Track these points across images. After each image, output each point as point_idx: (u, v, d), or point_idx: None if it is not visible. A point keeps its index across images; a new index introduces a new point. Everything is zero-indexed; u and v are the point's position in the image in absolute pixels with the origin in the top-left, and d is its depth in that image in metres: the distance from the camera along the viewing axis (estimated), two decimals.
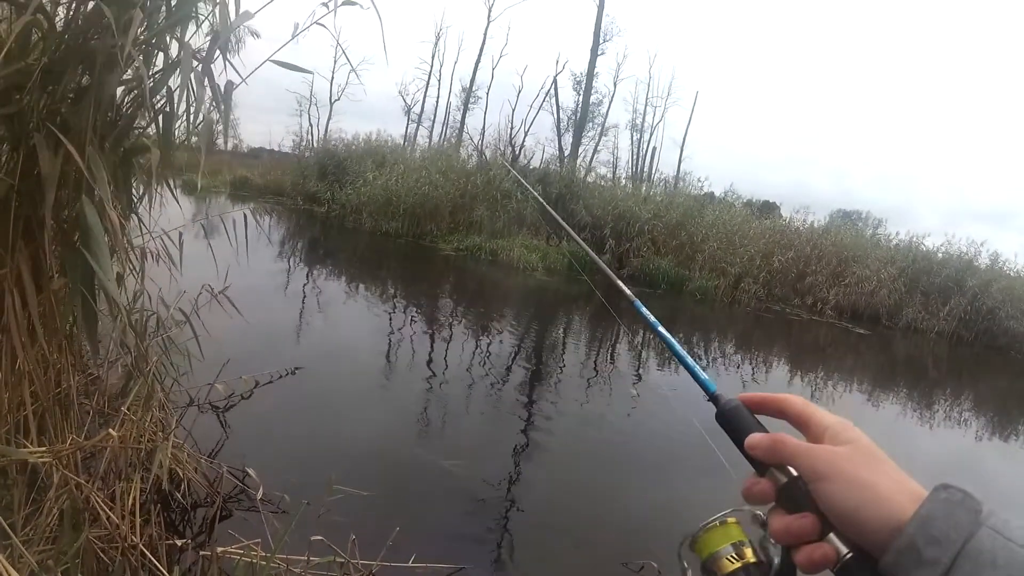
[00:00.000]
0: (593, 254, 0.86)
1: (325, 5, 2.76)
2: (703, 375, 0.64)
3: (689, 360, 0.66)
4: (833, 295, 17.69)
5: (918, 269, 18.47)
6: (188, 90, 2.42)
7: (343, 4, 2.77)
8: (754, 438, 0.57)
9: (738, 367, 9.37)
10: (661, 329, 0.72)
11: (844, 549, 0.50)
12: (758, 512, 0.58)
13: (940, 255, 19.25)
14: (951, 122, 76.44)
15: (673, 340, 0.70)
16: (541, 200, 1.62)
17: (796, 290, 18.23)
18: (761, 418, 0.61)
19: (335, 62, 34.08)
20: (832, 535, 0.51)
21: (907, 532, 0.46)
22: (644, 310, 0.76)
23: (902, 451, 6.42)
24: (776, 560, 0.56)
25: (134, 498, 2.31)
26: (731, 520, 0.61)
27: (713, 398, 0.63)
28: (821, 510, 0.52)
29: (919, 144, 72.44)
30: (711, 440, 0.76)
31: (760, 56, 71.04)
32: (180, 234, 3.18)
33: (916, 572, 0.45)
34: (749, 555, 0.58)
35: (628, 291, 0.79)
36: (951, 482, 0.49)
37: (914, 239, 20.21)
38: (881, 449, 0.53)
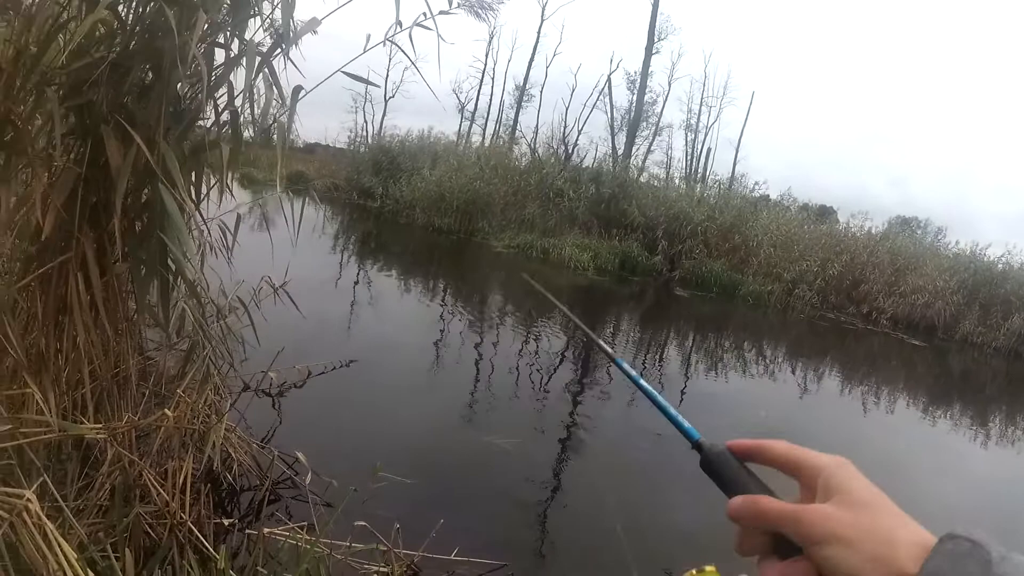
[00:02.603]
0: (580, 322, 0.87)
1: (399, 23, 2.82)
2: (686, 424, 0.62)
3: (672, 410, 0.63)
4: (889, 305, 17.14)
5: (978, 281, 17.60)
6: (253, 89, 2.48)
7: (416, 26, 2.83)
8: (732, 504, 0.53)
9: (791, 375, 9.19)
10: (642, 382, 0.70)
11: None
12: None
13: (1000, 266, 18.35)
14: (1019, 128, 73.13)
15: (654, 391, 0.67)
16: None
17: (851, 298, 17.73)
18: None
19: (390, 60, 34.44)
20: None
21: None
22: (625, 365, 0.75)
23: (951, 475, 6.23)
24: None
25: (185, 477, 2.38)
26: (709, 570, 0.59)
27: (696, 446, 0.60)
28: None
29: (983, 149, 69.54)
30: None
31: (819, 54, 69.30)
32: (238, 216, 3.24)
33: None
34: None
35: (608, 348, 0.79)
36: (958, 531, 0.45)
37: (975, 249, 19.29)
38: (882, 493, 0.49)
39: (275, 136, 2.57)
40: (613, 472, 4.40)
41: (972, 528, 0.44)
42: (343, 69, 2.84)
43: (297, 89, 2.55)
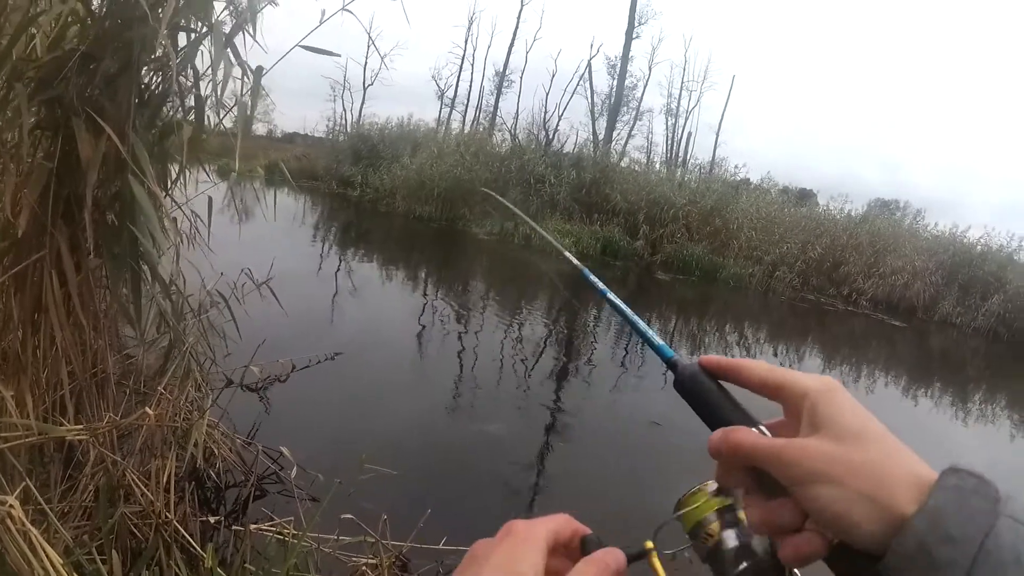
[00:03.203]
0: (546, 233, 0.84)
1: None
2: (658, 340, 0.57)
3: (642, 325, 0.60)
4: (869, 286, 17.33)
5: (957, 262, 17.84)
6: (217, 69, 2.44)
7: None
8: (712, 438, 0.48)
9: (773, 357, 9.26)
10: (611, 296, 0.67)
11: (828, 537, 0.43)
12: (733, 493, 0.52)
13: (979, 248, 18.56)
14: (1014, 112, 73.72)
15: (625, 307, 0.64)
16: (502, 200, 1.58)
17: (832, 280, 17.90)
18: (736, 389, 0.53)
19: (368, 47, 34.15)
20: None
21: (915, 529, 0.38)
22: (592, 278, 0.72)
23: (935, 447, 6.32)
24: (757, 545, 0.50)
25: (169, 475, 2.35)
26: (711, 484, 0.56)
27: (670, 364, 0.55)
28: None
29: (977, 134, 69.93)
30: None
31: (799, 38, 69.43)
32: (210, 200, 3.17)
33: None
34: (742, 517, 0.51)
35: (575, 260, 0.76)
36: (960, 464, 0.40)
37: (954, 231, 19.54)
38: (875, 419, 0.44)
39: (236, 115, 2.52)
40: (601, 456, 4.42)
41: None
42: (301, 43, 2.77)
43: (259, 68, 2.50)
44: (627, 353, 7.71)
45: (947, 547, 0.37)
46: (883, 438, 0.43)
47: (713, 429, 0.49)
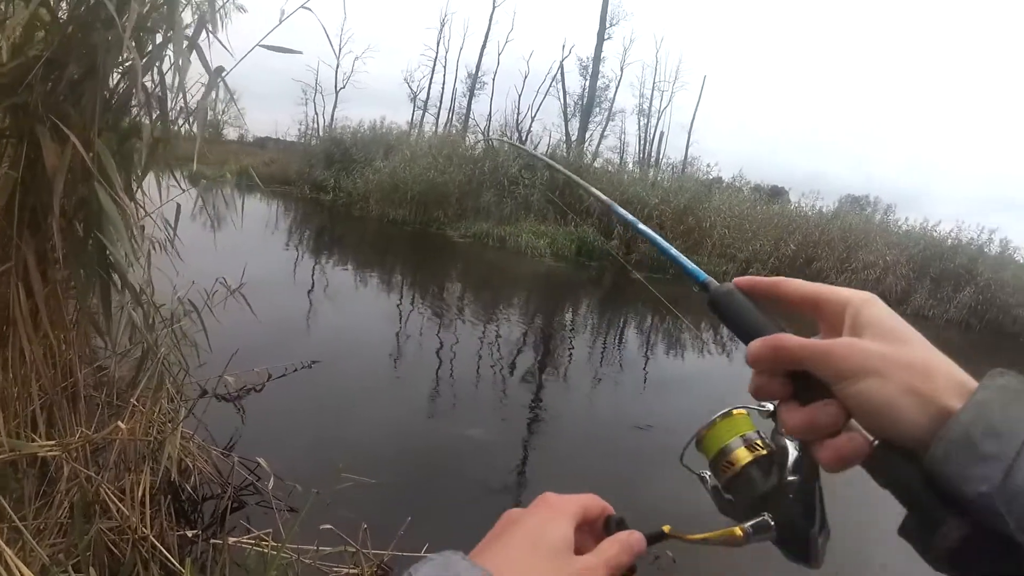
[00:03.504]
0: (572, 175, 0.83)
1: None
2: (690, 265, 0.59)
3: (674, 251, 0.62)
4: (842, 281, 17.55)
5: (928, 256, 18.15)
6: (180, 69, 2.41)
7: None
8: (752, 347, 0.48)
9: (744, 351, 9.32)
10: (642, 226, 0.68)
11: (871, 436, 0.44)
12: (766, 405, 0.52)
13: (950, 242, 18.95)
14: (979, 107, 75.12)
15: (656, 235, 0.65)
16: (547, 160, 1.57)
17: (805, 275, 17.79)
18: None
19: (340, 49, 33.91)
20: (855, 421, 0.44)
21: (960, 422, 0.39)
22: (620, 211, 0.72)
23: None
24: (792, 451, 0.50)
25: (144, 490, 2.31)
26: (737, 411, 0.55)
27: (703, 286, 0.56)
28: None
29: (943, 130, 71.50)
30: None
31: (771, 37, 70.36)
32: (177, 206, 3.11)
33: (973, 469, 0.38)
34: (762, 445, 0.52)
35: (603, 196, 0.77)
36: (1003, 370, 0.41)
37: (925, 225, 19.94)
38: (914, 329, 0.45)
39: (199, 115, 2.49)
40: (583, 459, 4.42)
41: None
42: (261, 43, 2.75)
43: (219, 68, 2.47)
44: (606, 355, 7.74)
45: (992, 440, 0.38)
46: (924, 341, 0.44)
47: (748, 343, 0.50)
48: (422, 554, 2.68)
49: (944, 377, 0.41)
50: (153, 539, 2.17)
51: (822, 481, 0.49)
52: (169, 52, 2.34)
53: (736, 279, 0.53)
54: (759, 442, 0.53)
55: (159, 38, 2.42)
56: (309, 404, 4.48)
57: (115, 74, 2.41)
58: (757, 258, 17.57)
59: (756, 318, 0.51)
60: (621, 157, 33.59)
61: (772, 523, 0.49)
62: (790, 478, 0.50)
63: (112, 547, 2.13)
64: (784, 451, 0.51)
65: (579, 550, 0.48)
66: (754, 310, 0.52)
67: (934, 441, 0.39)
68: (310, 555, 2.38)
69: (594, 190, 0.81)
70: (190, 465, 2.87)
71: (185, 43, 2.26)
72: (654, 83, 37.12)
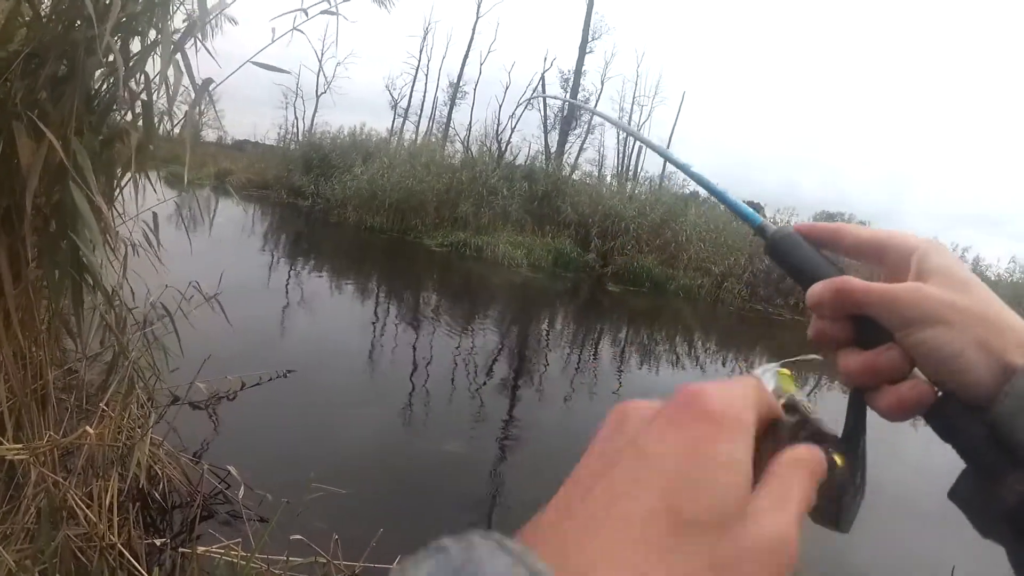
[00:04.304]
0: (630, 129, 0.84)
1: (304, 12, 2.77)
2: (746, 209, 0.56)
3: (729, 196, 0.59)
4: None
5: None
6: (167, 78, 2.39)
7: (320, 12, 2.78)
8: (814, 290, 0.46)
9: (721, 367, 9.41)
10: (695, 170, 0.65)
11: (934, 386, 0.42)
12: (813, 357, 0.50)
13: None
14: (950, 125, 76.82)
15: (708, 179, 0.62)
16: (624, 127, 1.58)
17: (779, 290, 18.31)
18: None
19: (322, 55, 33.78)
20: (917, 370, 0.42)
21: None
22: (673, 155, 0.70)
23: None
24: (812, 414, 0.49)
25: (112, 496, 2.26)
26: (781, 372, 0.53)
27: (759, 230, 0.54)
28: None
29: (916, 147, 72.89)
30: None
31: (751, 54, 71.17)
32: (154, 215, 3.08)
33: None
34: (801, 406, 0.51)
35: (654, 143, 0.75)
36: None
37: None
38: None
39: (182, 127, 2.49)
40: (560, 469, 4.40)
41: None
42: (253, 60, 2.77)
43: (207, 81, 2.47)
44: (582, 367, 7.75)
45: None
46: (992, 293, 0.42)
47: (806, 288, 0.48)
48: (394, 566, 2.65)
49: (1012, 331, 0.40)
50: (121, 547, 2.13)
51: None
52: (156, 56, 2.32)
53: (796, 224, 0.51)
54: (797, 403, 0.51)
55: (148, 40, 2.40)
56: (282, 413, 4.43)
57: (99, 75, 2.39)
58: (732, 272, 17.74)
59: (817, 261, 0.49)
60: (599, 170, 33.76)
61: None
62: (829, 434, 0.49)
63: (79, 554, 2.09)
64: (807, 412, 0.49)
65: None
66: (815, 253, 0.50)
67: (1002, 395, 0.38)
68: (280, 565, 2.34)
69: (645, 138, 0.80)
70: (159, 472, 2.82)
71: (175, 50, 2.24)
72: (634, 97, 37.46)
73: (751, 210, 0.55)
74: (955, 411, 0.41)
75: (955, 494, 0.41)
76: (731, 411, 0.29)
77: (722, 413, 0.29)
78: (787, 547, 0.27)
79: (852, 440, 0.45)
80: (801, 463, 0.32)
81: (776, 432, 0.36)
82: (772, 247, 0.52)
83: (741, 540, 0.26)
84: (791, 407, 0.44)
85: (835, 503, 0.43)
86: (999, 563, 0.40)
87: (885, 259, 0.47)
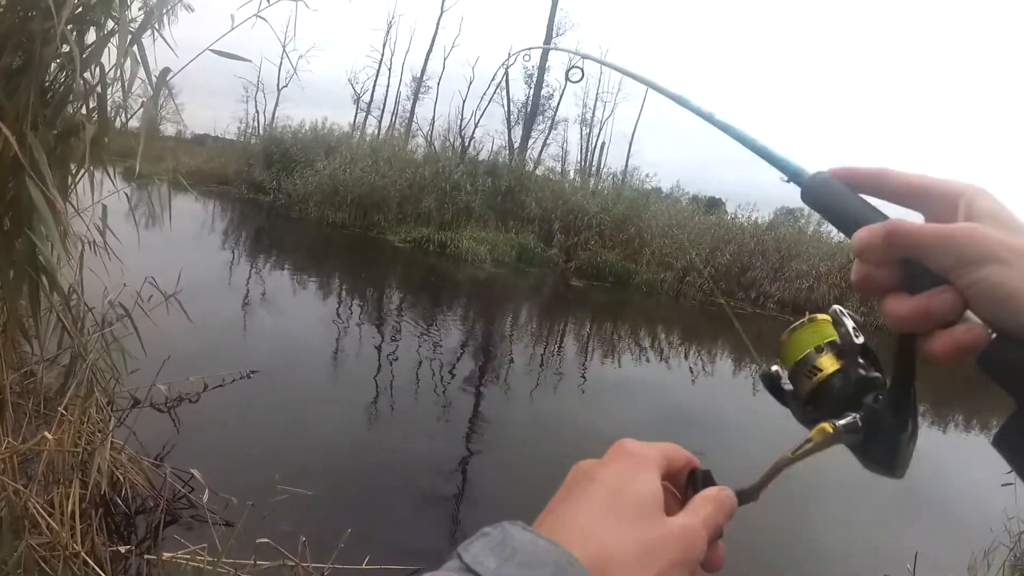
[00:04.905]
0: (664, 88, 0.80)
1: None
2: (779, 154, 0.56)
3: (759, 142, 0.58)
4: (776, 289, 18.10)
5: None
6: (123, 69, 2.33)
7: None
8: (861, 234, 0.44)
9: (684, 360, 9.52)
10: (719, 118, 0.65)
11: (988, 328, 0.41)
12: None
13: None
14: (911, 122, 78.45)
15: (736, 126, 0.62)
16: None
17: (740, 284, 18.59)
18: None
19: (283, 47, 33.19)
20: (969, 313, 0.41)
21: None
22: (694, 104, 0.69)
23: None
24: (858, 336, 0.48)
25: (73, 503, 2.20)
26: (822, 317, 0.52)
27: (794, 176, 0.53)
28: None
29: (875, 147, 74.42)
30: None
31: (712, 51, 72.01)
32: (103, 207, 2.99)
33: None
34: (849, 349, 0.50)
35: (674, 92, 0.73)
36: None
37: None
38: None
39: (139, 118, 2.43)
40: (527, 466, 4.42)
41: None
42: (212, 47, 2.71)
43: (165, 70, 2.41)
44: (547, 362, 7.78)
45: None
46: None
47: (849, 233, 0.47)
48: (364, 567, 2.65)
49: None
50: (84, 555, 2.08)
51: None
52: (111, 46, 2.26)
53: (832, 168, 0.51)
54: (846, 347, 0.51)
55: (104, 30, 2.34)
56: (246, 414, 4.36)
57: (54, 67, 2.32)
58: (694, 267, 17.94)
59: (859, 206, 0.48)
60: (563, 165, 33.83)
61: (860, 424, 0.46)
62: (879, 378, 0.48)
63: (43, 564, 2.03)
64: (869, 351, 0.50)
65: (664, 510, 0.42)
66: (856, 198, 0.49)
67: None
68: (248, 569, 2.32)
69: (661, 85, 0.78)
70: (121, 477, 2.75)
71: (129, 38, 2.18)
72: (597, 93, 37.57)
73: (784, 156, 0.55)
74: (1011, 351, 0.40)
75: (1003, 439, 0.40)
76: (642, 452, 0.45)
77: (637, 453, 0.44)
78: (697, 539, 0.40)
79: (902, 386, 0.45)
80: (710, 498, 0.44)
81: (694, 481, 0.47)
82: (809, 193, 0.51)
83: (660, 529, 0.39)
84: (837, 351, 0.51)
85: (889, 450, 0.45)
86: (961, 549, 0.41)
87: (930, 204, 0.47)
